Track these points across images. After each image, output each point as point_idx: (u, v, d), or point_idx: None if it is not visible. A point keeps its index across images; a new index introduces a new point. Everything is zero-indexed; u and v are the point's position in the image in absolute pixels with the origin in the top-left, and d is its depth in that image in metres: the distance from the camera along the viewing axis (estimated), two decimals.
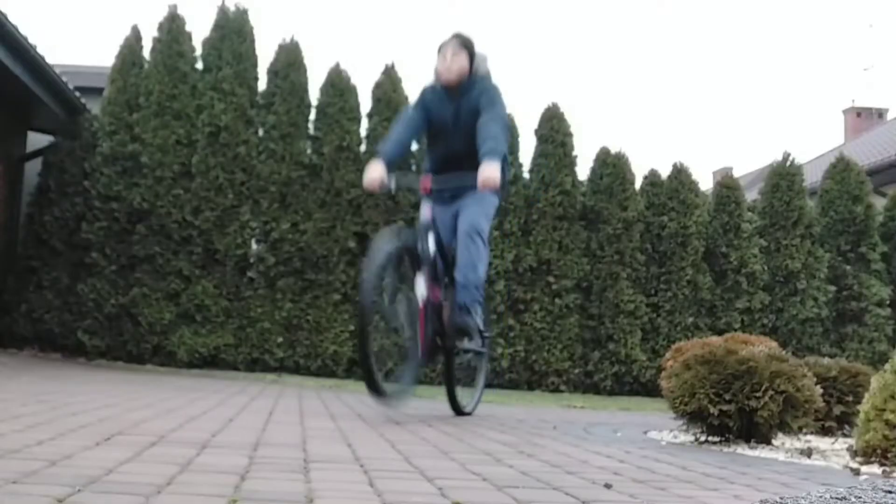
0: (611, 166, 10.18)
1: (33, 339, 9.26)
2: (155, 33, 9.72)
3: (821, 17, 71.96)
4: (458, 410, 4.66)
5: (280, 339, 9.35)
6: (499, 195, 4.61)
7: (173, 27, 9.70)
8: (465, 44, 4.54)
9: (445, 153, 4.61)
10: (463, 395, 4.75)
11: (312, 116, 9.87)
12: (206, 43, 9.77)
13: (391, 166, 4.43)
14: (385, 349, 4.20)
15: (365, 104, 9.94)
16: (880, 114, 25.99)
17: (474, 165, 4.30)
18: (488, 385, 9.52)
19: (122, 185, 9.39)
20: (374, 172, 4.36)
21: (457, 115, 4.52)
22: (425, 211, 4.38)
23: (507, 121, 4.58)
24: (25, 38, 8.09)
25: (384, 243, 3.97)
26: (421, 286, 4.14)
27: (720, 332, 8.69)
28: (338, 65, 9.99)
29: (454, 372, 4.58)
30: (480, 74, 4.57)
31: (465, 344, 4.57)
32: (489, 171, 4.22)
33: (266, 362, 9.32)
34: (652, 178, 10.41)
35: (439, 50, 4.57)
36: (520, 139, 10.16)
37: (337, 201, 9.56)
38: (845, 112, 26.74)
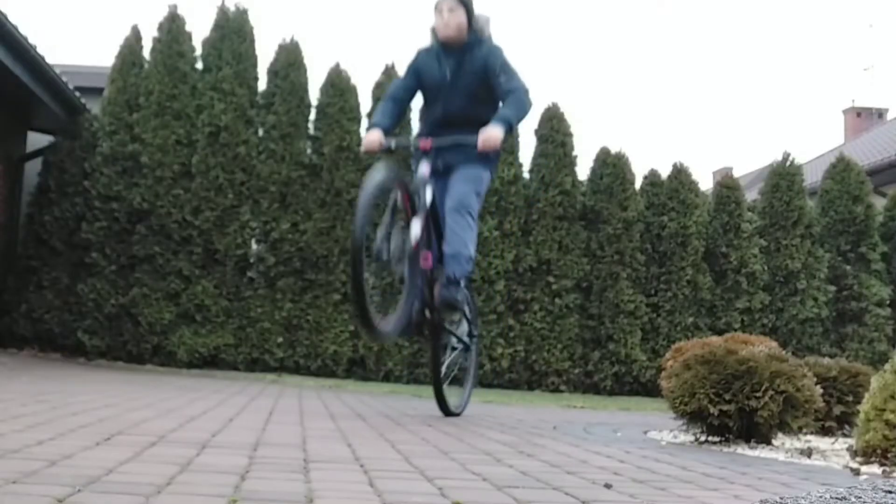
0: (611, 166, 10.18)
1: (33, 339, 9.26)
2: (155, 33, 9.72)
3: (821, 17, 71.95)
4: (446, 408, 4.48)
5: (280, 339, 9.35)
6: (492, 171, 4.50)
7: (173, 27, 9.70)
8: (464, 2, 4.36)
9: (443, 114, 4.43)
10: (451, 393, 4.59)
11: (312, 116, 9.87)
12: (206, 43, 9.78)
13: (388, 133, 4.36)
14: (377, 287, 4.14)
15: (365, 104, 9.94)
16: (880, 114, 26.00)
17: (474, 128, 4.19)
18: (488, 385, 9.61)
19: (122, 185, 9.39)
20: (373, 135, 4.30)
21: (456, 72, 4.36)
22: (423, 168, 4.21)
23: (523, 92, 4.34)
24: (25, 38, 8.09)
25: (377, 173, 3.80)
26: (416, 227, 3.98)
27: (720, 332, 8.69)
28: (338, 65, 9.99)
29: (440, 356, 4.44)
30: (486, 34, 4.42)
31: (454, 326, 4.46)
32: (494, 133, 4.11)
33: (266, 362, 9.32)
34: (652, 178, 10.41)
35: (436, 7, 4.39)
36: (520, 139, 10.17)
37: (337, 201, 9.56)
38: (845, 112, 26.74)
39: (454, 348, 4.66)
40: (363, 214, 3.64)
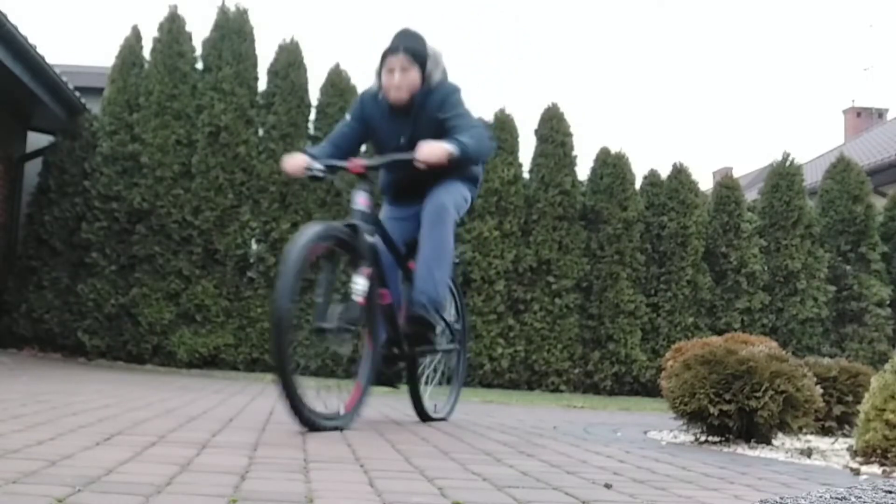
0: (611, 166, 10.19)
1: (33, 339, 9.26)
2: (155, 33, 9.73)
3: (821, 17, 71.94)
4: (426, 417, 4.05)
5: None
6: (471, 189, 3.92)
7: (173, 27, 9.71)
8: (416, 53, 3.69)
9: (405, 179, 3.83)
10: (437, 394, 4.19)
11: (312, 116, 9.87)
12: (207, 43, 9.78)
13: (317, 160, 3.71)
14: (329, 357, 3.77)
15: None
16: (880, 114, 26.01)
17: (440, 175, 3.67)
18: (488, 385, 9.61)
19: (122, 185, 9.39)
20: (297, 157, 3.70)
21: (412, 136, 3.68)
22: (358, 199, 3.55)
23: (482, 129, 3.76)
24: (25, 38, 8.09)
25: (303, 236, 3.18)
26: (359, 283, 3.39)
27: (720, 332, 8.70)
28: (338, 65, 10.00)
29: (418, 378, 4.00)
30: (436, 80, 3.75)
31: (428, 346, 3.88)
32: (438, 145, 3.48)
33: (266, 362, 9.31)
34: (652, 178, 10.42)
35: (383, 59, 3.72)
36: (520, 139, 10.17)
37: (337, 201, 9.56)
38: (845, 112, 26.75)
39: (442, 350, 4.19)
40: (288, 282, 3.05)
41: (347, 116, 3.92)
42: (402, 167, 3.67)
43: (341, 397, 3.41)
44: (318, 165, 3.64)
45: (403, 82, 3.68)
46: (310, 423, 3.08)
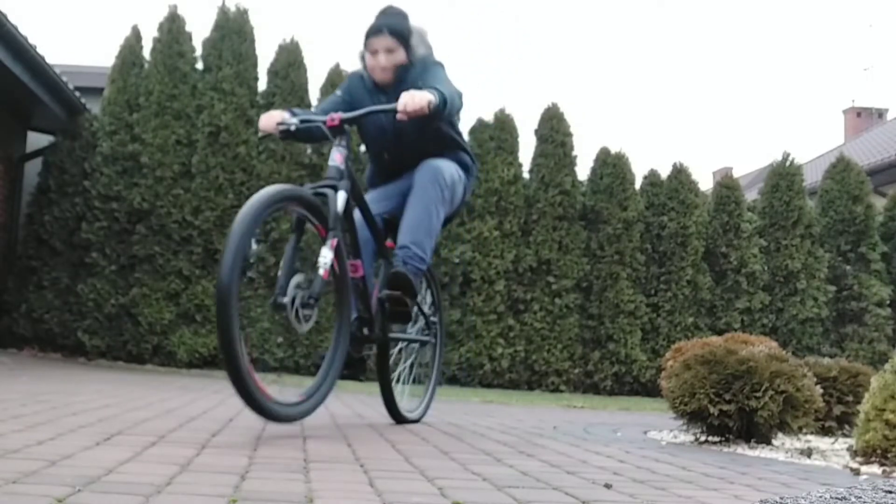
0: (611, 166, 10.19)
1: (33, 339, 9.26)
2: (155, 33, 9.73)
3: (821, 17, 71.93)
4: (399, 417, 3.83)
5: (280, 339, 9.35)
6: (462, 177, 3.75)
7: (173, 27, 9.71)
8: (400, 33, 3.60)
9: (392, 163, 3.76)
10: (413, 393, 3.99)
11: None
12: (207, 43, 9.78)
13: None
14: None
15: None
16: (880, 114, 26.01)
17: (430, 155, 3.61)
18: (488, 385, 9.61)
19: (122, 185, 9.39)
20: (272, 113, 3.49)
21: (396, 118, 3.43)
22: (335, 156, 3.30)
23: (457, 91, 3.56)
24: (25, 38, 8.09)
25: (255, 199, 2.85)
26: (325, 256, 3.09)
27: (720, 332, 8.70)
28: (338, 65, 9.99)
29: (389, 370, 3.76)
30: (420, 55, 3.65)
31: (404, 320, 3.64)
32: (419, 93, 3.25)
33: (266, 362, 9.32)
34: (652, 178, 10.42)
35: (367, 38, 3.61)
36: (520, 139, 10.17)
37: None
38: (845, 112, 26.76)
39: (417, 341, 3.97)
40: (231, 253, 2.75)
41: (338, 91, 3.79)
42: (388, 143, 3.64)
43: (303, 386, 3.18)
44: (292, 120, 3.42)
45: (389, 63, 3.59)
46: (263, 410, 2.74)
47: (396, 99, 3.32)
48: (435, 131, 3.65)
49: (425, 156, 3.62)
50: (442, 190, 3.55)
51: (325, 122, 3.35)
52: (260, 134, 3.69)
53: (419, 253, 3.49)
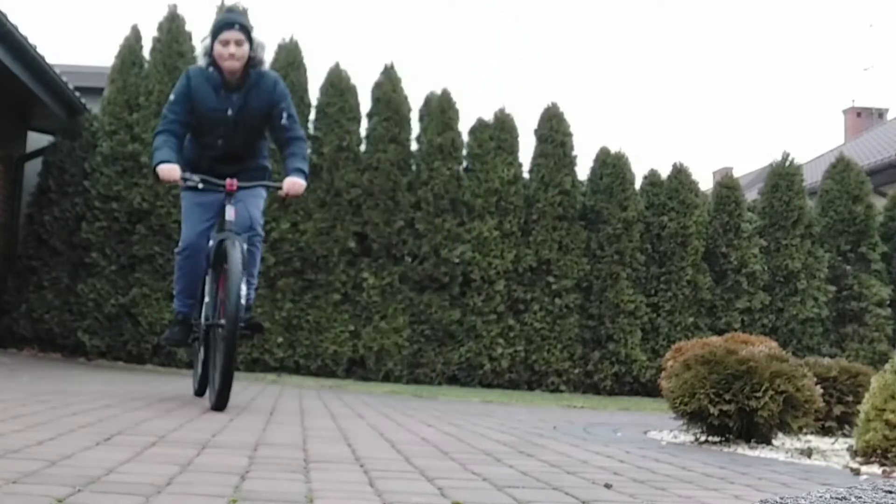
0: (611, 166, 10.19)
1: (33, 339, 9.26)
2: (155, 33, 9.72)
3: (821, 17, 71.97)
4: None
5: (280, 339, 9.35)
6: (265, 191, 4.42)
7: (173, 27, 9.70)
8: (247, 29, 4.13)
9: (224, 150, 4.29)
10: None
11: (312, 116, 9.86)
12: None
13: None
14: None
15: (365, 104, 9.94)
16: (880, 114, 26.00)
17: (255, 164, 4.33)
18: (488, 385, 9.61)
19: (122, 185, 9.38)
20: (172, 169, 4.07)
21: (241, 109, 4.19)
22: (230, 213, 4.06)
23: (306, 143, 4.46)
24: (25, 38, 8.09)
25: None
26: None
27: (720, 332, 8.70)
28: (338, 65, 9.99)
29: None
30: (262, 66, 4.23)
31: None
32: (299, 183, 4.17)
33: (266, 362, 9.32)
34: (652, 178, 10.42)
35: (217, 33, 4.11)
36: (519, 139, 10.17)
37: (337, 201, 9.57)
38: (845, 112, 26.75)
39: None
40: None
41: (172, 97, 4.24)
42: (225, 144, 4.23)
43: None
44: (195, 178, 4.10)
45: (239, 53, 4.08)
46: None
47: (244, 101, 4.13)
48: (260, 136, 4.37)
49: (248, 154, 4.32)
50: (258, 246, 4.28)
51: (224, 188, 4.06)
52: (164, 182, 4.20)
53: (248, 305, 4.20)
